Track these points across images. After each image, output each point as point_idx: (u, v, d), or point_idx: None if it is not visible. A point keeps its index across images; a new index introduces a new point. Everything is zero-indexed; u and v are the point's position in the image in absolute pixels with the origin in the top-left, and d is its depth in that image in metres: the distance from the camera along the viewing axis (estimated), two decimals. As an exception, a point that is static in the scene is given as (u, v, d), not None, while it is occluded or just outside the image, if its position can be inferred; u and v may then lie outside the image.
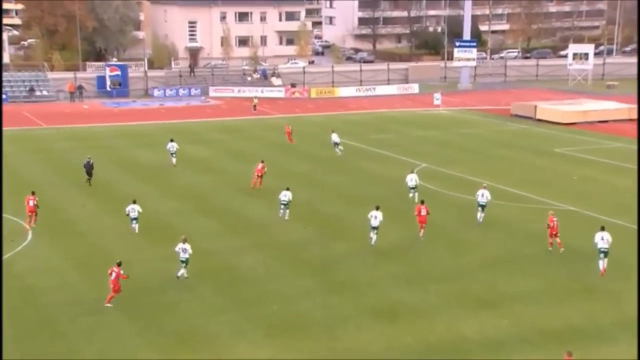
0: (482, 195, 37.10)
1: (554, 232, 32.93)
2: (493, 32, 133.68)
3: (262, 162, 44.25)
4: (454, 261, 32.17)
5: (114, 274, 27.02)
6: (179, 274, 29.57)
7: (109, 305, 26.94)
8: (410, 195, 40.64)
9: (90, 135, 63.75)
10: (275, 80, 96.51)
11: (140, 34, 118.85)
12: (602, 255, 30.42)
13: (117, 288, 27.01)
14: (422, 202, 35.59)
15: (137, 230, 35.43)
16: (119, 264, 27.33)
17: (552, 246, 33.05)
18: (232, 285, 29.44)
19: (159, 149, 54.64)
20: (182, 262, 29.47)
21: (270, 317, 26.41)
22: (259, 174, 43.58)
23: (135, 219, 35.35)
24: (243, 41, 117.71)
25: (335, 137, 54.90)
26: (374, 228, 33.70)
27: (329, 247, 33.83)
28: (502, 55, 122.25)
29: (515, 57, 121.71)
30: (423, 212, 34.78)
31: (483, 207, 37.05)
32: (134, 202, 35.62)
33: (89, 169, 44.92)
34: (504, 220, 37.85)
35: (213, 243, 34.05)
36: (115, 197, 40.98)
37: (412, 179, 41.25)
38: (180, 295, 28.18)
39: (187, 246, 29.38)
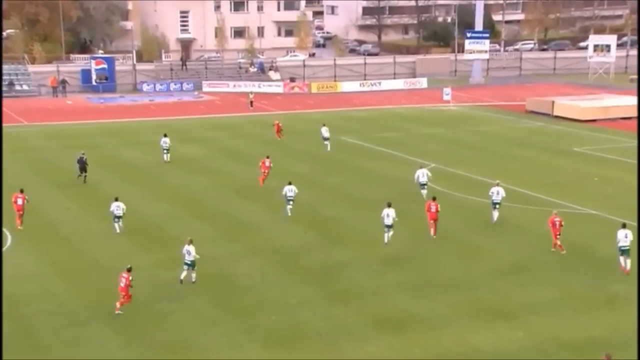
0: (497, 193, 37.30)
1: (557, 233, 33.03)
2: (507, 22, 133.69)
3: (268, 157, 44.89)
4: (464, 268, 32.17)
5: (123, 281, 27.07)
6: (182, 276, 29.82)
7: (119, 312, 27.11)
8: (423, 193, 40.69)
9: (75, 133, 63.80)
10: (273, 75, 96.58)
11: (128, 25, 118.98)
12: (624, 254, 30.53)
13: (127, 295, 27.13)
14: (434, 199, 35.87)
15: (121, 229, 35.78)
16: (129, 270, 27.34)
17: (563, 249, 33.14)
18: (227, 294, 29.46)
19: (148, 147, 54.77)
20: (186, 264, 29.77)
21: (269, 328, 26.41)
22: (266, 170, 43.96)
23: (119, 217, 35.70)
24: (239, 32, 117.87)
25: (324, 132, 55.82)
26: (388, 226, 33.89)
27: (331, 253, 33.85)
28: (517, 47, 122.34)
29: (532, 49, 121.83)
30: (433, 209, 35.04)
31: (497, 205, 37.17)
32: (116, 200, 36.11)
33: (82, 165, 45.30)
34: (518, 224, 37.87)
35: (207, 248, 33.93)
36: (102, 199, 40.93)
37: (423, 174, 41.39)
38: (170, 305, 28.19)
39: (191, 248, 29.81)
